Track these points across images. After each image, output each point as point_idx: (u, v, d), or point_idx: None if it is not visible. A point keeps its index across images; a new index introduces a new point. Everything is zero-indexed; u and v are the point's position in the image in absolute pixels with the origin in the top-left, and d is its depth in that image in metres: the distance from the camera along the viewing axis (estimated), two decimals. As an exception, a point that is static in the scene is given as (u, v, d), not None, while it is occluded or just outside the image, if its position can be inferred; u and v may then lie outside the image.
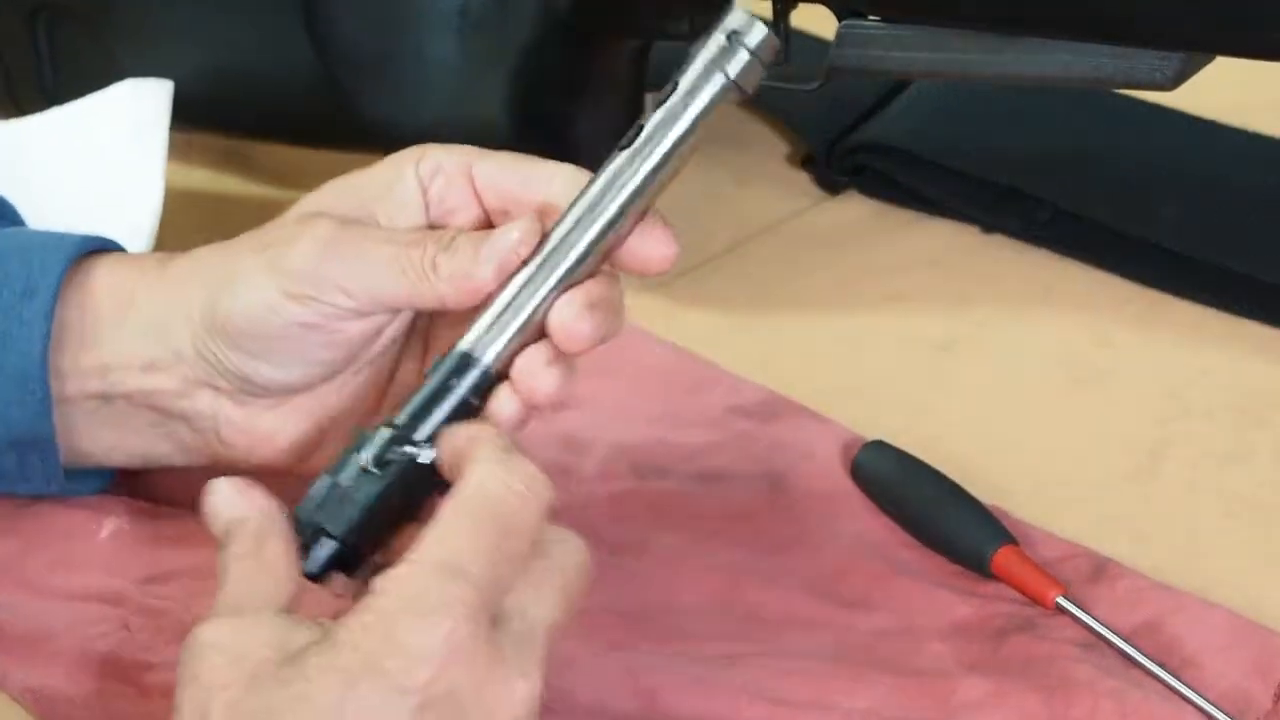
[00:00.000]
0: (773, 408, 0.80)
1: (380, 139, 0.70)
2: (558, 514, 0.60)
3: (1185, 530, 0.74)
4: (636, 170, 0.63)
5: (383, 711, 0.53)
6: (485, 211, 0.66)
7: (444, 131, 0.68)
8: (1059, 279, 0.89)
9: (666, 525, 0.74)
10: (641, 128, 0.63)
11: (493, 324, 0.63)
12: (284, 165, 0.97)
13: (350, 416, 0.68)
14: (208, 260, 0.68)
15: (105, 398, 0.69)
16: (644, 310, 0.82)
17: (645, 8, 0.83)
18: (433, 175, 0.66)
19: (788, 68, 0.76)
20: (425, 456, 0.62)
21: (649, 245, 0.64)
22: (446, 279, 0.64)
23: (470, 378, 0.63)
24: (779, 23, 0.80)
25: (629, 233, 0.64)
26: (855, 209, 0.95)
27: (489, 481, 0.58)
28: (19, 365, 0.67)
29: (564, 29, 0.83)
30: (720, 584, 0.71)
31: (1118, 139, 0.96)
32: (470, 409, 0.63)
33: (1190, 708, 0.65)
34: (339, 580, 0.61)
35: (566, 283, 0.63)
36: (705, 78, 0.63)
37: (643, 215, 0.64)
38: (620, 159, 0.63)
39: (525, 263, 0.63)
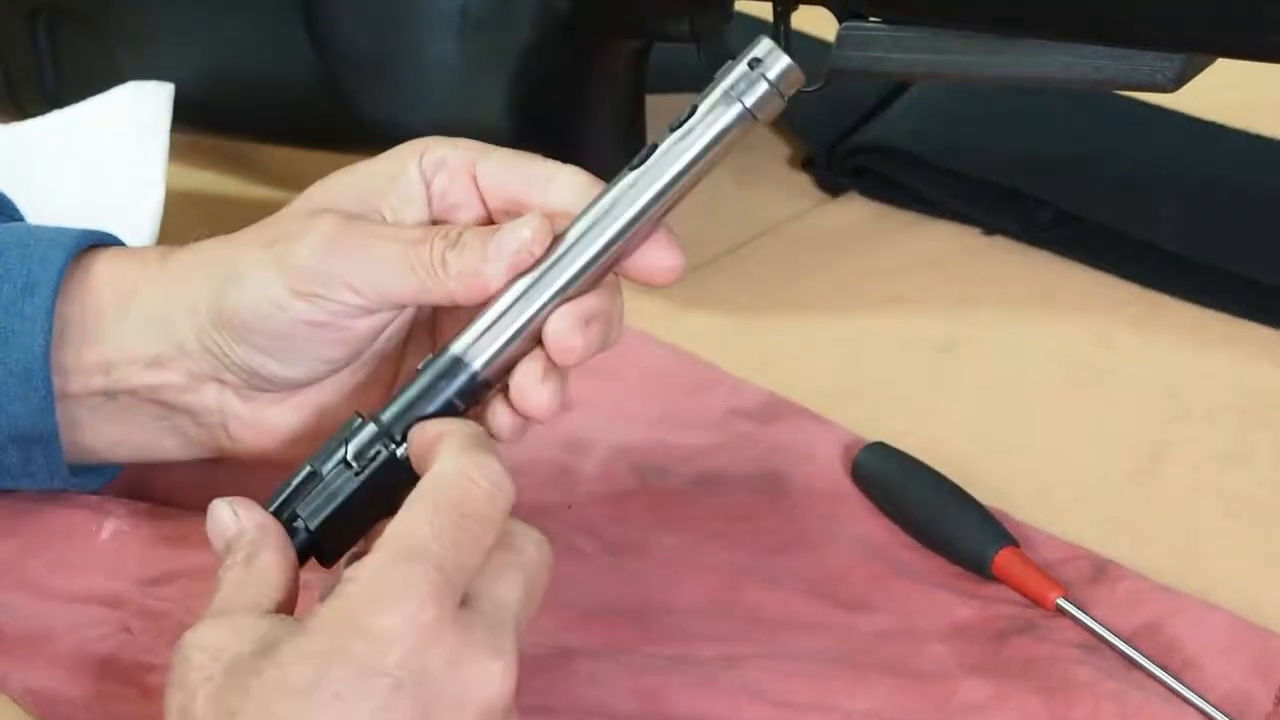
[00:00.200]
0: (773, 409, 0.80)
1: (381, 140, 0.70)
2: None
3: (1186, 531, 0.74)
4: (644, 191, 0.63)
5: (357, 693, 0.54)
6: (487, 209, 0.66)
7: (444, 132, 0.68)
8: (1060, 280, 0.90)
9: (667, 526, 0.74)
10: (655, 147, 0.63)
11: (486, 330, 0.63)
12: (284, 167, 0.97)
13: (355, 408, 0.68)
14: (211, 253, 0.68)
15: (109, 394, 0.69)
16: (645, 312, 0.82)
17: (645, 8, 0.83)
18: (436, 170, 0.66)
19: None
20: (402, 451, 0.63)
21: (655, 257, 0.64)
22: (456, 276, 0.64)
23: (458, 382, 0.63)
24: (780, 24, 0.80)
25: (633, 250, 0.63)
26: (856, 211, 0.96)
27: (449, 469, 0.58)
28: (21, 361, 0.67)
29: (564, 30, 0.83)
30: (721, 585, 0.71)
31: (1118, 140, 0.96)
32: (455, 411, 0.63)
33: (1191, 709, 0.65)
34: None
35: (564, 296, 0.63)
36: (723, 105, 0.63)
37: (649, 234, 0.63)
38: (629, 178, 0.63)
39: (529, 270, 0.63)
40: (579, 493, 0.76)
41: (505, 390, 0.64)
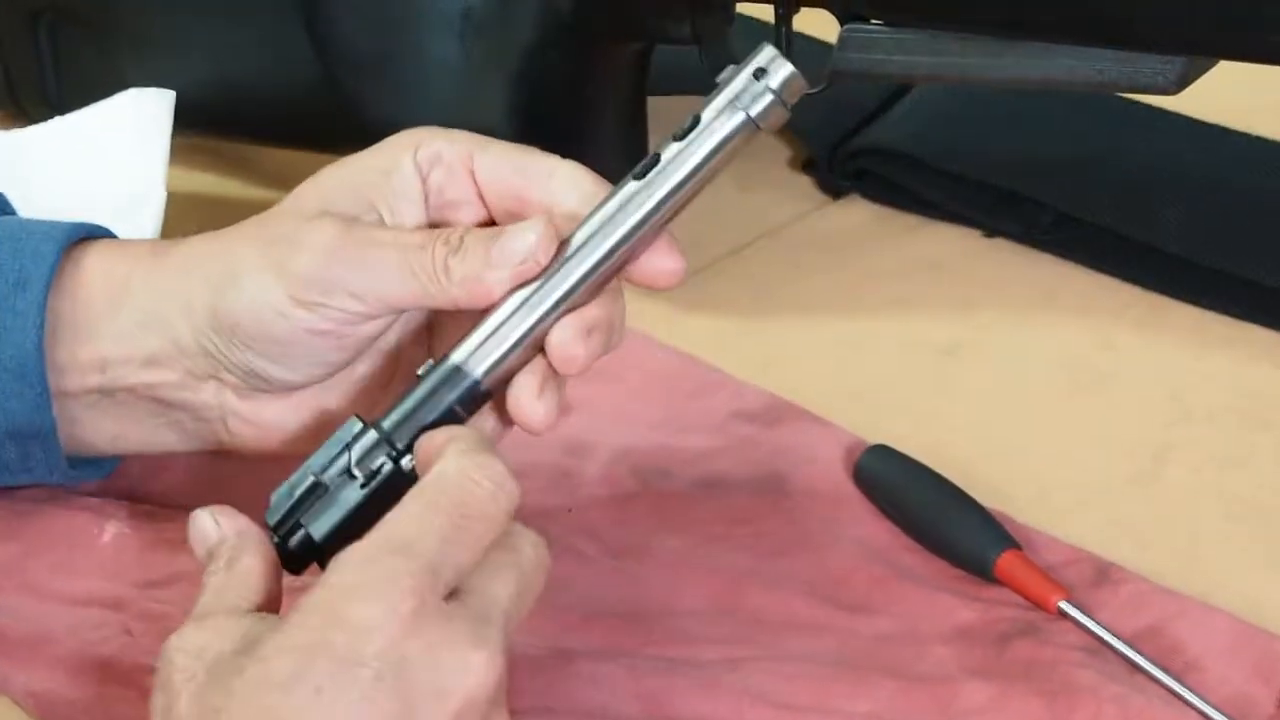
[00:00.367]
0: (775, 412, 0.80)
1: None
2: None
3: (1188, 534, 0.74)
4: (647, 201, 0.63)
5: (338, 684, 0.54)
6: (486, 206, 0.66)
7: (445, 133, 0.68)
8: (1061, 283, 0.89)
9: (669, 529, 0.74)
10: (658, 157, 0.63)
11: (487, 339, 0.63)
12: (285, 169, 0.97)
13: (355, 405, 0.68)
14: (207, 251, 0.67)
15: (106, 391, 0.68)
16: (646, 315, 0.82)
17: (647, 10, 0.83)
18: (431, 165, 0.66)
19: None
20: (408, 463, 0.63)
21: (656, 261, 0.64)
22: (459, 283, 0.63)
23: (459, 391, 0.63)
24: (781, 27, 0.80)
25: (635, 259, 0.63)
26: (857, 213, 0.95)
27: (449, 470, 0.59)
28: (15, 357, 0.66)
29: (566, 31, 0.83)
30: (722, 588, 0.71)
31: (1119, 142, 0.96)
32: (457, 419, 0.63)
33: (1193, 712, 0.65)
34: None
35: (566, 306, 0.63)
36: (726, 113, 0.62)
37: (651, 241, 0.63)
38: (631, 187, 0.63)
39: (533, 279, 0.63)
40: (581, 496, 0.76)
41: (497, 396, 0.64)
